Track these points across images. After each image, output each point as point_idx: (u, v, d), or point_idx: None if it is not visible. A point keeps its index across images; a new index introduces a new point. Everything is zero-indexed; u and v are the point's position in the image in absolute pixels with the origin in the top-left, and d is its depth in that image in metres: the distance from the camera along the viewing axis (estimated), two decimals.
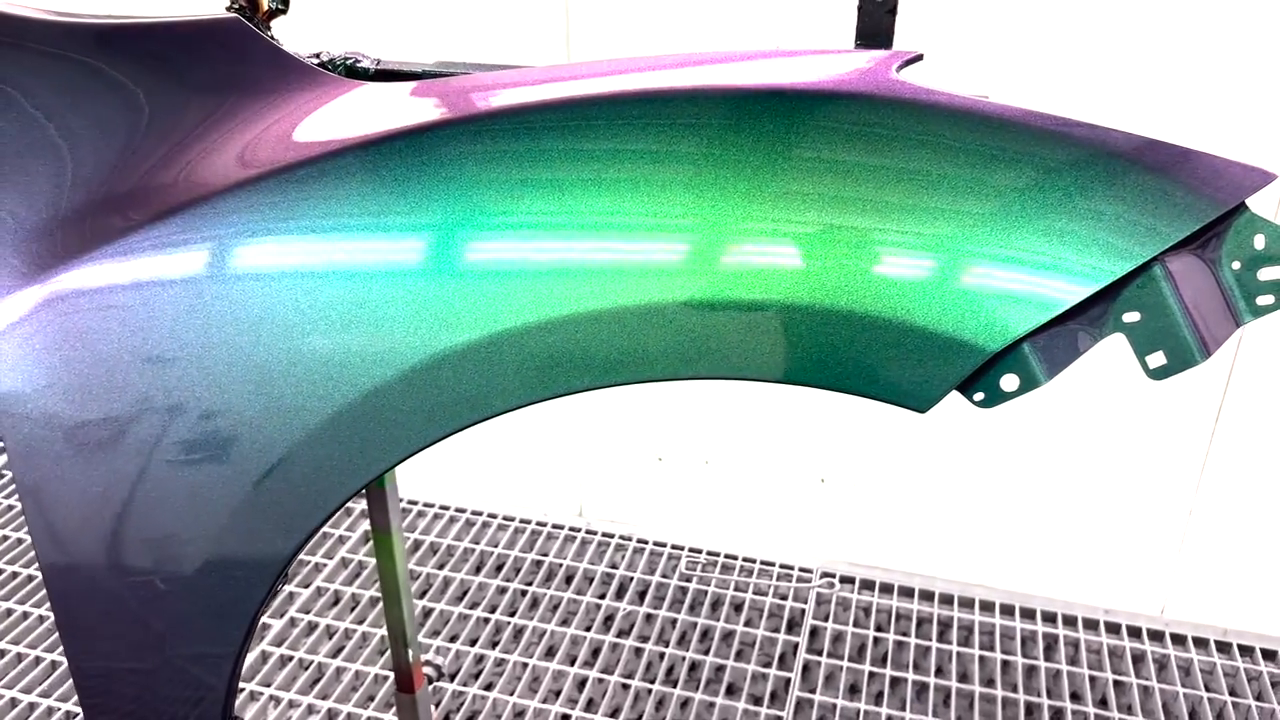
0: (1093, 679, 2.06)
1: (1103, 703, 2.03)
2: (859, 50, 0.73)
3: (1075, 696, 2.03)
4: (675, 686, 2.05)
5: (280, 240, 0.75)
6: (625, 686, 2.04)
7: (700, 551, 2.42)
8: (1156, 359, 0.71)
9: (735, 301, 0.70)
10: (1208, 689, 2.06)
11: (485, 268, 0.74)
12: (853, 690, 2.05)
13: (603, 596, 2.29)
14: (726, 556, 2.40)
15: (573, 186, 0.72)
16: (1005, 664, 2.10)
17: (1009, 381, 0.70)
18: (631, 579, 2.34)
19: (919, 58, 0.72)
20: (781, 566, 2.37)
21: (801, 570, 2.36)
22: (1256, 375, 1.97)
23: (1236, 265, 0.71)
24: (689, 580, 2.34)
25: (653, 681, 2.05)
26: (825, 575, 2.33)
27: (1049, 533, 2.21)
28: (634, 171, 0.71)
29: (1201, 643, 2.16)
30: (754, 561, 2.39)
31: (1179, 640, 2.17)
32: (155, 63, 0.83)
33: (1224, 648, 2.15)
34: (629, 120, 0.72)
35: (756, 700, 2.02)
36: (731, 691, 2.06)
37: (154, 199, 0.77)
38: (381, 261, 0.76)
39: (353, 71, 0.96)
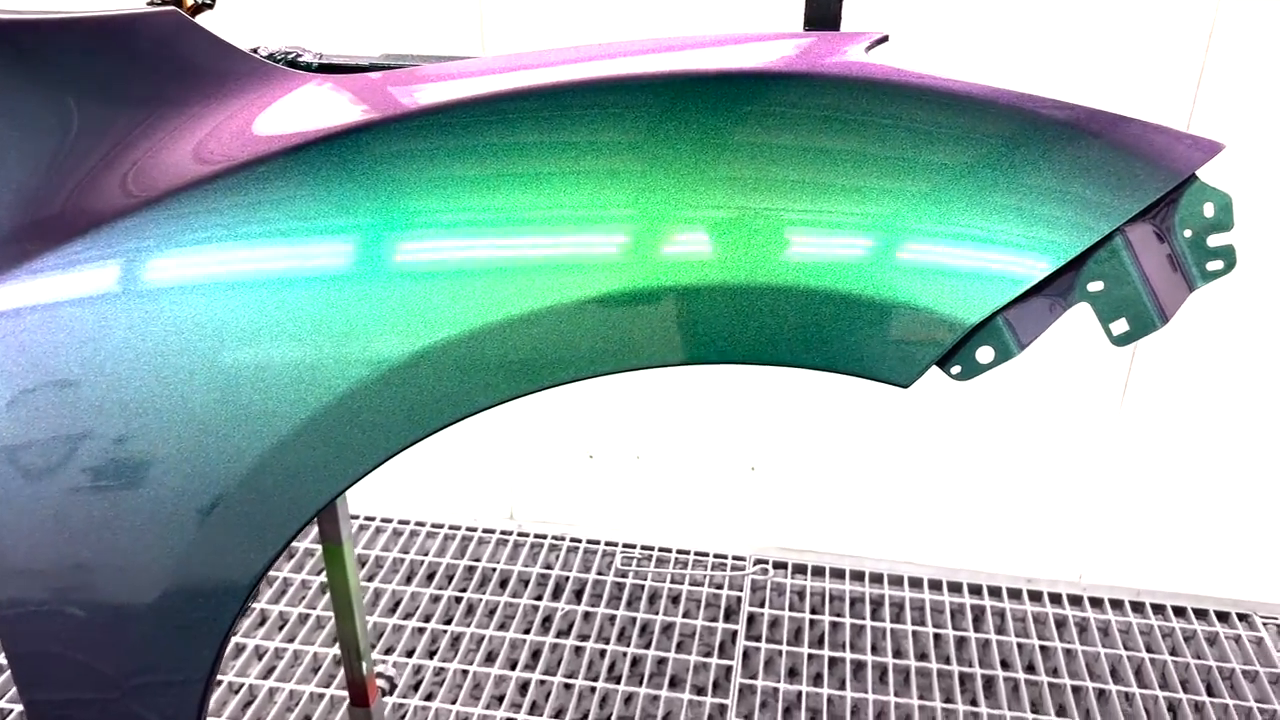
0: (1020, 645, 2.14)
1: (1030, 668, 2.10)
2: (825, 33, 0.74)
3: (1005, 664, 2.10)
4: (618, 683, 2.04)
5: (241, 243, 0.72)
6: (568, 687, 2.03)
7: (634, 546, 2.42)
8: (1119, 326, 0.74)
9: (724, 287, 0.70)
10: (1126, 648, 2.15)
11: (459, 264, 0.72)
12: (792, 673, 2.08)
13: (539, 598, 2.27)
14: (661, 550, 2.41)
15: (551, 177, 0.71)
16: (937, 637, 2.16)
17: (984, 354, 0.72)
18: (567, 579, 2.33)
19: (885, 39, 0.74)
20: (716, 556, 2.39)
21: (735, 559, 2.38)
22: (1160, 349, 2.07)
23: (1188, 233, 0.74)
24: (625, 576, 2.34)
25: (595, 680, 2.05)
26: (759, 562, 2.36)
27: (972, 508, 2.28)
28: (613, 161, 0.71)
29: (1117, 604, 2.26)
30: (688, 553, 2.40)
31: (1096, 603, 2.26)
32: (85, 61, 0.78)
33: (1138, 607, 2.25)
34: (609, 107, 0.71)
35: (700, 690, 2.03)
36: (674, 684, 2.06)
37: (96, 205, 0.73)
38: (344, 262, 0.74)
39: (294, 67, 0.93)
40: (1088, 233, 0.69)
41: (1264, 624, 2.21)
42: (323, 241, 0.72)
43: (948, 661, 2.11)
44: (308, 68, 0.94)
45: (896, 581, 2.32)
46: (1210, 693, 2.04)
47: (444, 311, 0.71)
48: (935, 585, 2.31)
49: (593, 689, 2.02)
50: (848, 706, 1.98)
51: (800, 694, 2.00)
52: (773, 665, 2.09)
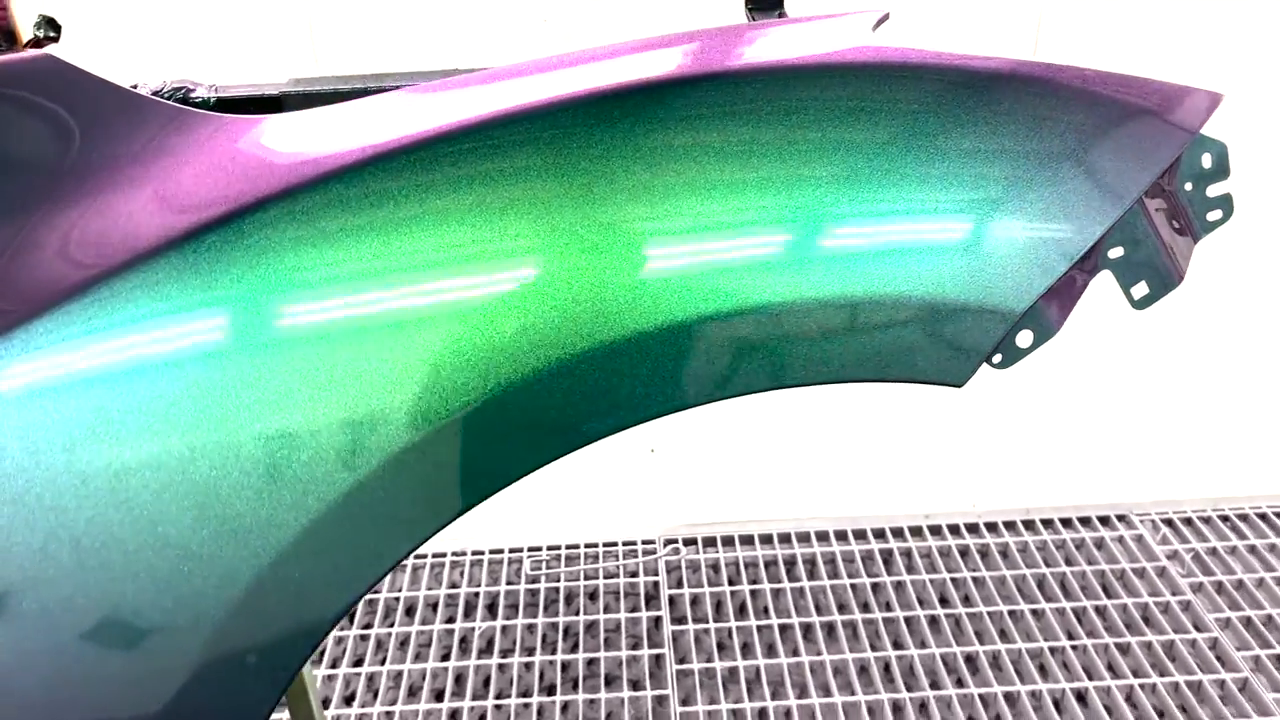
0: (930, 581, 2.19)
1: (944, 601, 2.16)
2: (824, 17, 0.68)
3: (921, 601, 2.15)
4: (552, 693, 1.97)
5: (212, 315, 0.61)
6: (499, 707, 1.94)
7: (541, 549, 2.34)
8: (1140, 289, 0.72)
9: (797, 305, 0.64)
10: (1026, 566, 2.24)
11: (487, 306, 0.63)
12: (721, 648, 2.06)
13: (451, 620, 2.16)
14: (569, 547, 2.34)
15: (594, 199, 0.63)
16: (853, 587, 2.19)
17: (1024, 338, 0.69)
18: (477, 594, 2.23)
19: (886, 16, 0.68)
20: (625, 544, 2.34)
21: (645, 543, 2.34)
22: None
23: (1189, 186, 0.73)
24: (536, 581, 2.26)
25: (527, 694, 1.97)
26: (669, 542, 2.32)
27: (863, 455, 2.32)
28: (641, 177, 0.63)
29: (1010, 526, 2.35)
30: (597, 545, 2.34)
31: (992, 528, 2.35)
32: None
33: (1029, 525, 2.35)
34: (668, 110, 0.64)
35: (636, 685, 1.99)
36: (610, 683, 2.01)
37: (30, 285, 0.60)
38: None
39: (186, 103, 0.80)
40: (1120, 201, 0.67)
41: (1140, 521, 2.36)
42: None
43: (867, 608, 2.14)
44: (204, 104, 0.80)
45: (804, 539, 2.34)
46: (1108, 594, 2.15)
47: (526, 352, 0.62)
48: (841, 536, 2.34)
49: (526, 705, 1.94)
50: (783, 671, 1.98)
51: (735, 669, 1.99)
52: (702, 644, 2.07)
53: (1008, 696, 1.91)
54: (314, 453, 0.61)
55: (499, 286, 0.63)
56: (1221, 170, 0.72)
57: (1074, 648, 2.01)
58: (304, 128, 0.67)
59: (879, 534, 2.34)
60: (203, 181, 0.64)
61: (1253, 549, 2.26)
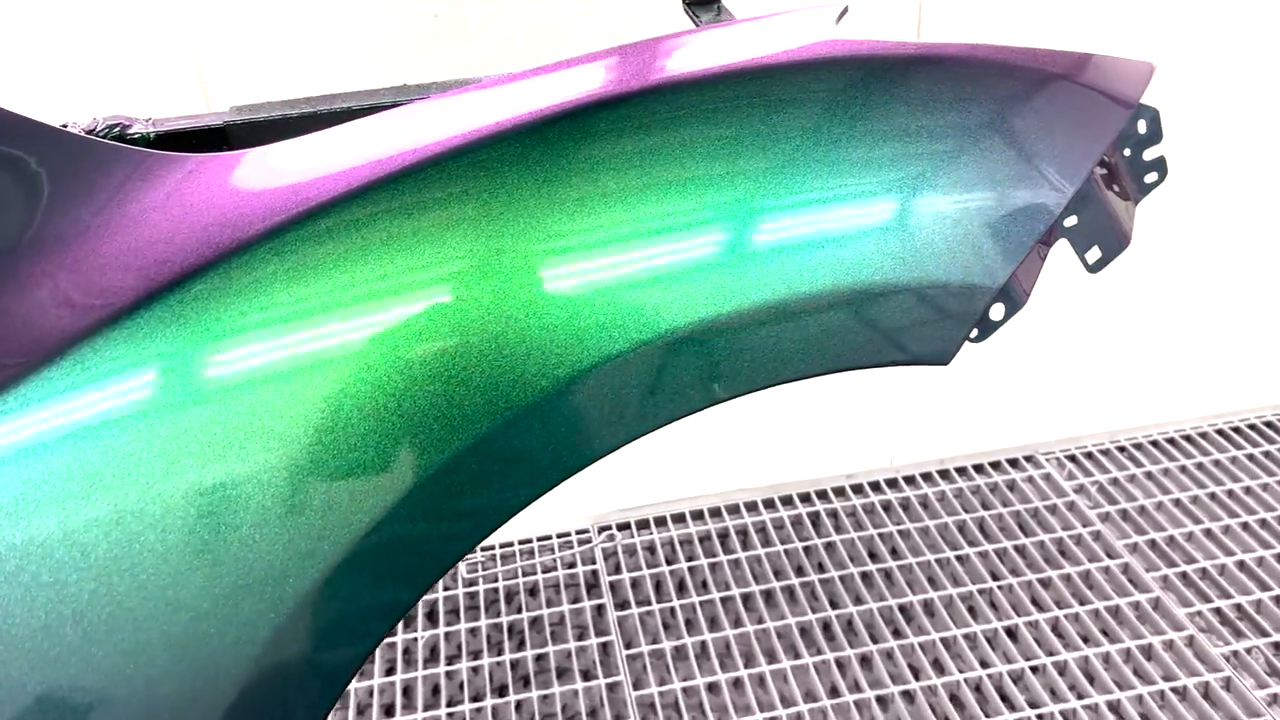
0: (858, 539, 2.26)
1: (873, 556, 2.23)
2: (786, 13, 0.69)
3: (852, 559, 2.22)
4: (503, 695, 1.96)
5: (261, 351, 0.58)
6: (452, 715, 1.93)
7: (475, 551, 2.31)
8: (1094, 254, 0.76)
9: (796, 301, 0.64)
10: (947, 514, 2.33)
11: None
12: (667, 628, 2.08)
13: (391, 633, 2.12)
14: (503, 545, 2.32)
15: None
16: (786, 553, 2.24)
17: (996, 311, 0.71)
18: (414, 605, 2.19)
19: (846, 10, 0.69)
20: (559, 536, 2.34)
21: (579, 533, 2.34)
22: None
23: (1127, 151, 0.77)
24: (474, 584, 2.24)
25: (479, 698, 1.96)
26: (603, 529, 2.33)
27: (783, 421, 2.37)
28: (650, 179, 0.63)
29: (927, 477, 2.44)
30: (530, 540, 2.33)
31: (910, 481, 2.43)
32: None
33: (945, 475, 2.44)
34: (700, 106, 0.63)
35: (587, 674, 2.00)
36: (562, 675, 2.01)
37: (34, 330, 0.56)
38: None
39: (124, 139, 0.75)
40: (1078, 173, 0.70)
41: (1046, 460, 2.47)
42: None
43: (801, 572, 2.20)
44: (143, 139, 0.76)
45: (734, 510, 2.37)
46: (1025, 533, 2.26)
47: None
48: (769, 504, 2.39)
49: (479, 709, 1.93)
50: (729, 642, 2.01)
51: (681, 647, 2.02)
52: (647, 625, 2.09)
53: (944, 641, 1.99)
54: (328, 495, 0.59)
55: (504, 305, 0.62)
56: (1155, 135, 0.76)
57: (1000, 587, 2.10)
58: (278, 163, 0.65)
59: (804, 498, 2.39)
60: (181, 229, 0.61)
61: (1150, 475, 2.40)
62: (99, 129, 0.75)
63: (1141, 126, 0.76)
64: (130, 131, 0.76)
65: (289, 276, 0.59)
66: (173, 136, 0.77)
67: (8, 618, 0.53)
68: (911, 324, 0.67)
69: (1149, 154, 0.77)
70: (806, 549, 2.25)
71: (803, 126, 0.64)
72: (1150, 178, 0.78)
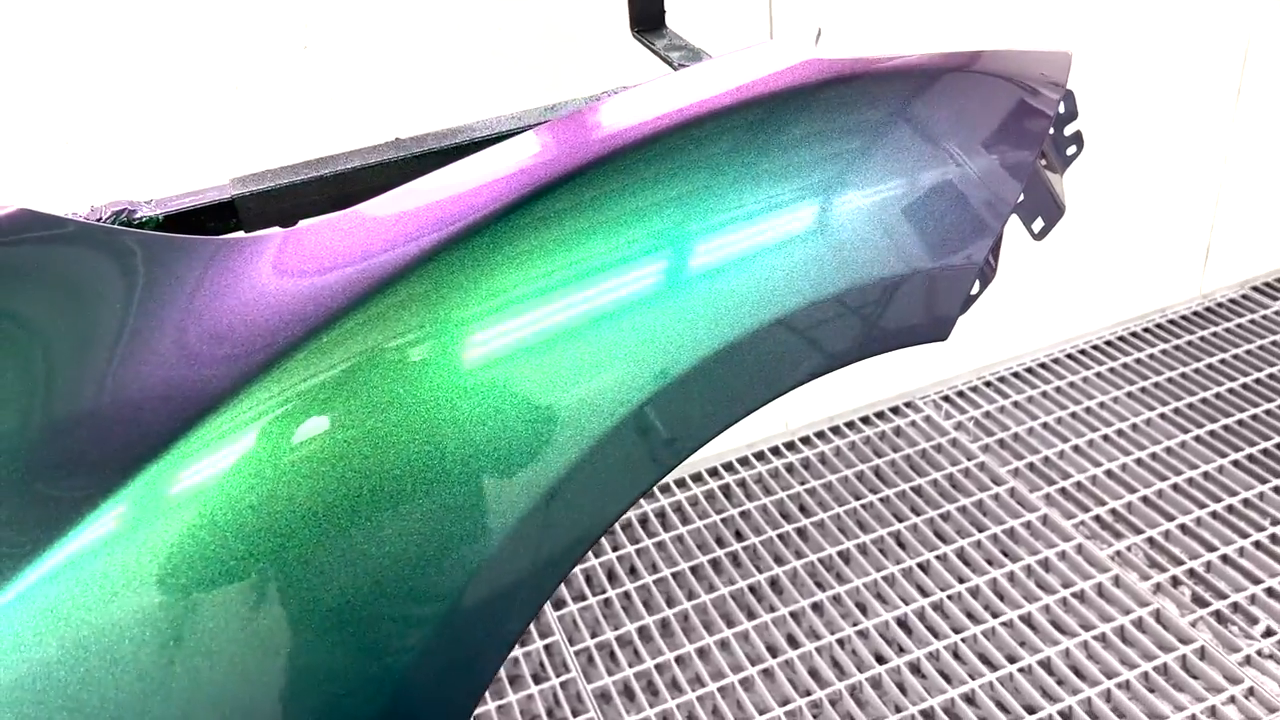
0: (767, 505, 2.37)
1: (786, 517, 2.35)
2: (771, 43, 0.75)
3: (769, 523, 2.33)
4: None
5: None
6: None
7: None
8: (1038, 224, 0.85)
9: (814, 304, 0.70)
10: (846, 467, 2.47)
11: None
12: (607, 618, 2.14)
13: None
14: None
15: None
16: (706, 526, 2.33)
17: (974, 286, 0.80)
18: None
19: (820, 31, 0.76)
20: None
21: None
22: None
23: (1051, 130, 0.87)
24: None
25: None
26: None
27: None
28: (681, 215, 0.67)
29: (820, 435, 2.57)
30: None
31: (806, 441, 2.56)
32: None
33: (836, 430, 2.59)
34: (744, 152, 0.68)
35: (539, 678, 2.03)
36: (513, 682, 2.04)
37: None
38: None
39: (131, 225, 0.74)
40: (1031, 154, 0.79)
41: (923, 403, 2.65)
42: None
43: (722, 543, 2.29)
44: (151, 222, 0.75)
45: (649, 495, 2.44)
46: (918, 474, 2.42)
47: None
48: (680, 483, 2.47)
49: None
50: (670, 621, 2.09)
51: (624, 633, 2.08)
52: (587, 619, 2.13)
53: (867, 586, 2.13)
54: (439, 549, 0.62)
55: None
56: (1073, 112, 0.87)
57: (906, 528, 2.26)
58: (332, 237, 0.67)
59: (713, 472, 2.49)
60: (267, 311, 0.61)
61: (1016, 404, 2.61)
62: (104, 217, 0.74)
63: (1061, 106, 0.86)
64: (137, 216, 0.74)
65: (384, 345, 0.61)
66: (181, 216, 0.76)
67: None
68: (917, 310, 0.75)
69: (1069, 130, 0.88)
70: (724, 520, 2.35)
71: (785, 156, 0.71)
72: (1071, 150, 0.89)
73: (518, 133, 0.79)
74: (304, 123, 1.80)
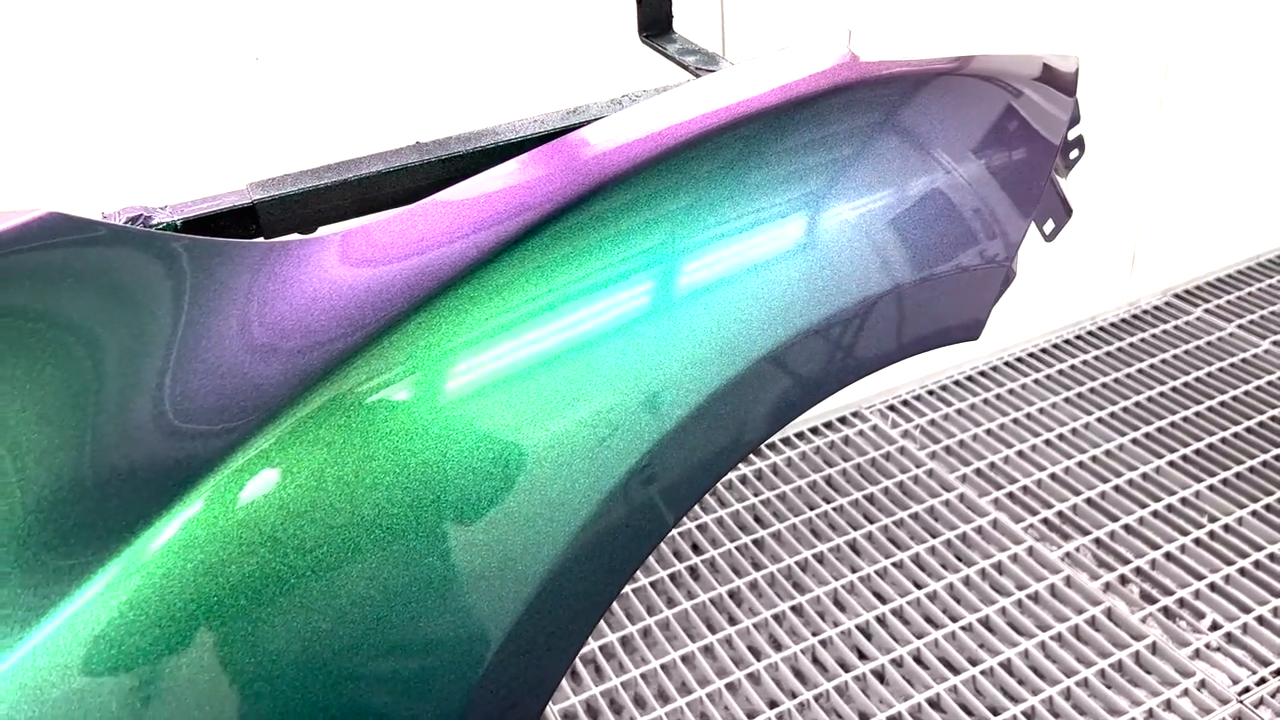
0: (723, 519, 2.37)
1: (743, 528, 2.35)
2: (805, 45, 0.74)
3: (727, 535, 2.33)
4: None
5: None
6: None
7: None
8: (1049, 225, 0.87)
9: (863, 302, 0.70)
10: (799, 477, 2.48)
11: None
12: None
13: None
14: None
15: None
16: (664, 542, 2.32)
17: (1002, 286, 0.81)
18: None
19: (850, 33, 0.76)
20: None
21: None
22: None
23: None
24: None
25: None
26: None
27: None
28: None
29: (771, 446, 2.59)
30: None
31: (757, 453, 2.57)
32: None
33: (787, 442, 2.60)
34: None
35: None
36: None
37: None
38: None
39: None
40: (1049, 157, 0.80)
41: (869, 413, 2.69)
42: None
43: (680, 557, 2.28)
44: (171, 227, 0.71)
45: None
46: (869, 482, 2.45)
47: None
48: None
49: None
50: (629, 639, 2.07)
51: (588, 652, 2.05)
52: None
53: (827, 595, 2.14)
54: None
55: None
56: (1076, 117, 0.88)
57: (861, 536, 2.28)
58: (383, 239, 0.64)
59: None
60: (317, 315, 0.58)
61: (960, 411, 2.67)
62: (121, 222, 0.69)
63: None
64: (154, 221, 0.70)
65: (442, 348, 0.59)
66: (200, 221, 0.72)
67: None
68: (952, 309, 0.75)
69: (1072, 134, 0.90)
70: (681, 534, 2.34)
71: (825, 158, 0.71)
72: (1074, 154, 0.90)
73: (541, 138, 0.78)
74: (306, 129, 1.75)
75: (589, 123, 0.74)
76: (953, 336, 0.77)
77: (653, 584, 2.19)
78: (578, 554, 0.62)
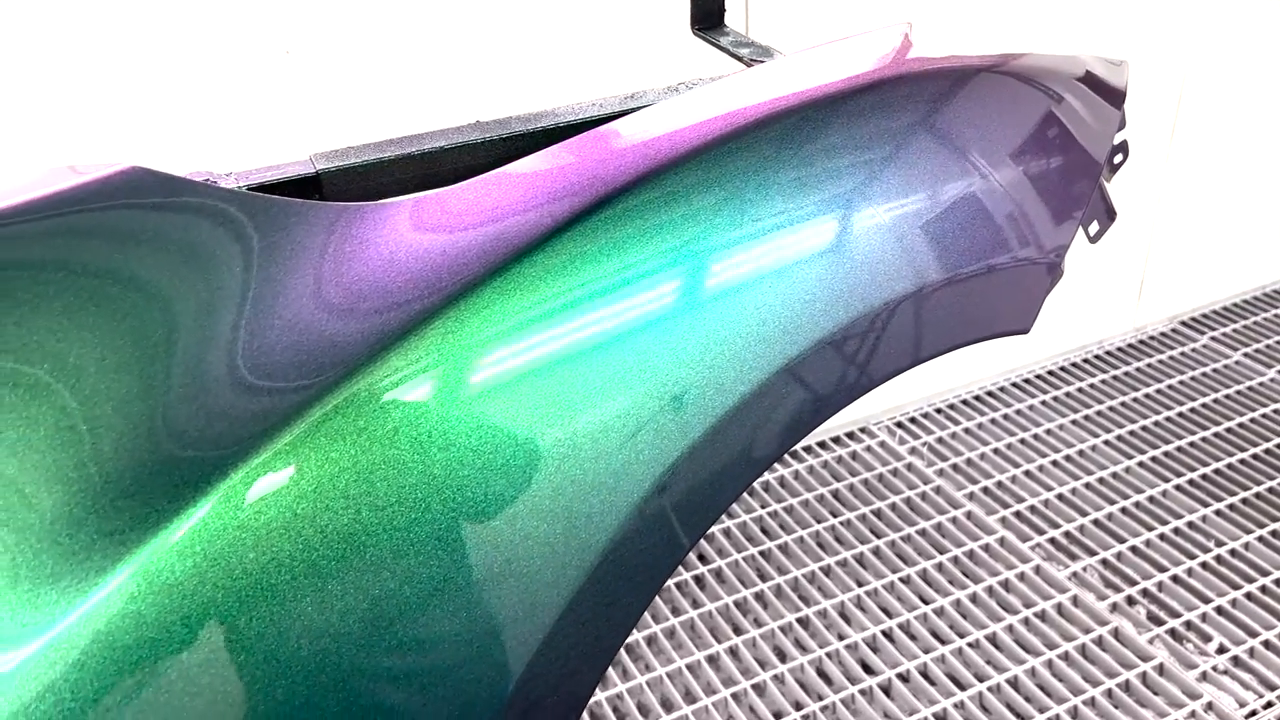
0: (729, 530, 2.37)
1: (749, 539, 2.35)
2: (864, 35, 0.75)
3: (735, 546, 2.32)
4: None
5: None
6: None
7: None
8: (1094, 227, 0.88)
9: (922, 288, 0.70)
10: (806, 491, 2.49)
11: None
12: None
13: None
14: None
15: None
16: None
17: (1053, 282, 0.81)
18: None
19: (910, 25, 0.77)
20: None
21: None
22: None
23: None
24: None
25: None
26: None
27: None
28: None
29: (795, 455, 2.59)
30: None
31: (780, 461, 2.57)
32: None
33: (795, 455, 2.61)
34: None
35: None
36: None
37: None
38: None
39: None
40: (1101, 156, 0.81)
41: (877, 429, 2.69)
42: None
43: (688, 566, 2.28)
44: None
45: None
46: (877, 497, 2.45)
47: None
48: None
49: None
50: (632, 645, 2.06)
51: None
52: None
53: (835, 608, 2.14)
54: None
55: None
56: (1122, 122, 0.89)
57: (870, 551, 2.28)
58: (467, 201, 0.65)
59: None
60: (395, 276, 0.59)
61: (968, 430, 2.67)
62: None
63: None
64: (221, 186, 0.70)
65: (518, 309, 0.59)
66: (263, 188, 0.72)
67: None
68: (1006, 299, 0.76)
69: (1116, 139, 0.91)
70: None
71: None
72: (1118, 159, 0.91)
73: (599, 120, 0.78)
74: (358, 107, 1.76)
75: (646, 107, 0.74)
76: (1006, 328, 0.78)
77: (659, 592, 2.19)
78: (637, 528, 0.62)
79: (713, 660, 2.02)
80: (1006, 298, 0.76)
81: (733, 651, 2.04)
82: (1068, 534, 2.32)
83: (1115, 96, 0.84)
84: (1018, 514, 2.38)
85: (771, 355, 0.64)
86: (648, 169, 0.65)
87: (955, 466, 2.55)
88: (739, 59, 0.87)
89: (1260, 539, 2.27)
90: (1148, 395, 2.76)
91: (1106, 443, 2.59)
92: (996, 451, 2.58)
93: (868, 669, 2.01)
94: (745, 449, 0.65)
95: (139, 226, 0.53)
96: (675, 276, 0.64)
